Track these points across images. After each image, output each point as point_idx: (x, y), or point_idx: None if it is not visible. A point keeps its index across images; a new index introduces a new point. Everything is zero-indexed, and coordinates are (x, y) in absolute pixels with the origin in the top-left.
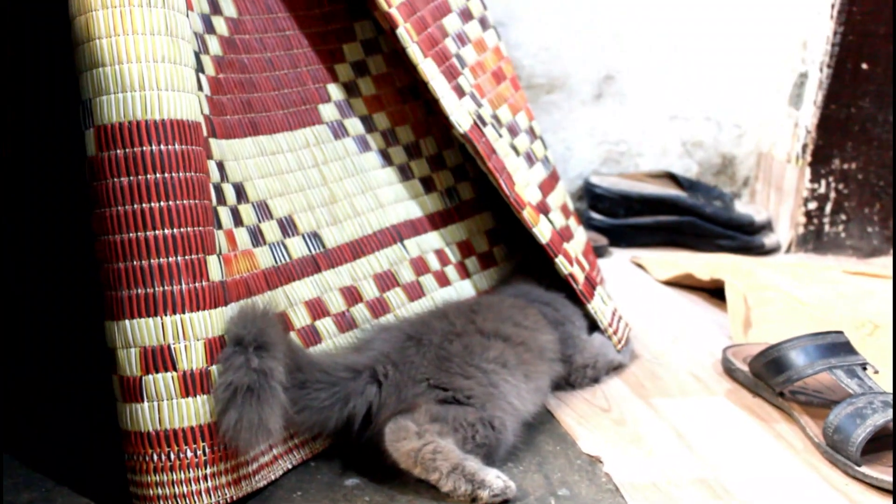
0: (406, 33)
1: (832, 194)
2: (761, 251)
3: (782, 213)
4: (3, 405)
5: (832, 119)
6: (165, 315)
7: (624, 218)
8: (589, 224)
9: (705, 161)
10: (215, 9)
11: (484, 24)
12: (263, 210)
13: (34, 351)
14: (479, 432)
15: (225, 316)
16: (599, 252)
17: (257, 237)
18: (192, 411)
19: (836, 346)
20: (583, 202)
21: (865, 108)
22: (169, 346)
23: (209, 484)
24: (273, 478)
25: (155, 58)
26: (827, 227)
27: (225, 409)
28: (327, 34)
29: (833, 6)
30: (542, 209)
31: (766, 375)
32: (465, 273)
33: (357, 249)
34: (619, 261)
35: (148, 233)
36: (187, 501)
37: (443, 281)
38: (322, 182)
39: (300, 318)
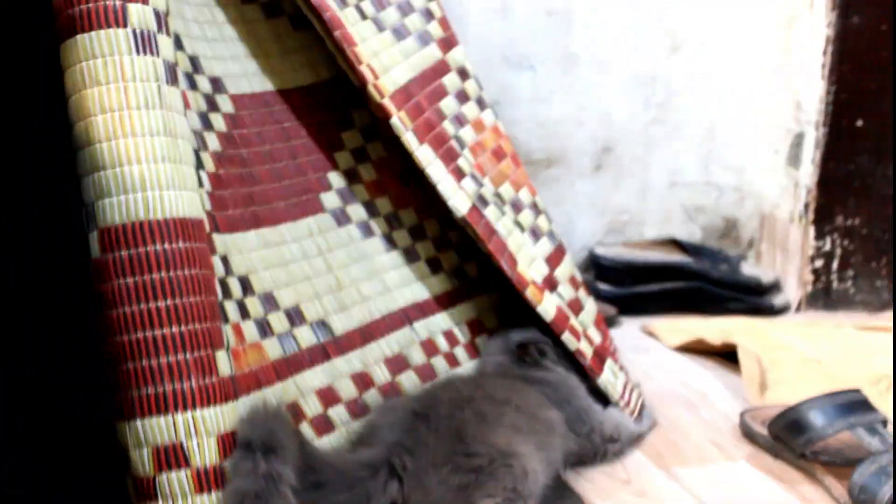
0: (399, 122)
1: (838, 251)
2: (771, 312)
3: (789, 272)
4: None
5: (832, 176)
6: (177, 413)
7: (632, 287)
8: (597, 295)
9: (708, 225)
10: (213, 106)
11: (481, 104)
12: (270, 301)
13: (34, 351)
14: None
15: (236, 410)
16: (609, 322)
17: (265, 329)
18: None
19: (854, 404)
20: (589, 273)
21: (864, 163)
22: (182, 444)
23: None
24: None
25: (155, 158)
26: (835, 284)
27: None
28: (325, 123)
29: (824, 66)
30: (550, 284)
31: (787, 437)
32: (475, 353)
33: (367, 334)
34: (630, 329)
35: (156, 332)
36: None
37: (453, 362)
38: (327, 270)
39: (312, 407)
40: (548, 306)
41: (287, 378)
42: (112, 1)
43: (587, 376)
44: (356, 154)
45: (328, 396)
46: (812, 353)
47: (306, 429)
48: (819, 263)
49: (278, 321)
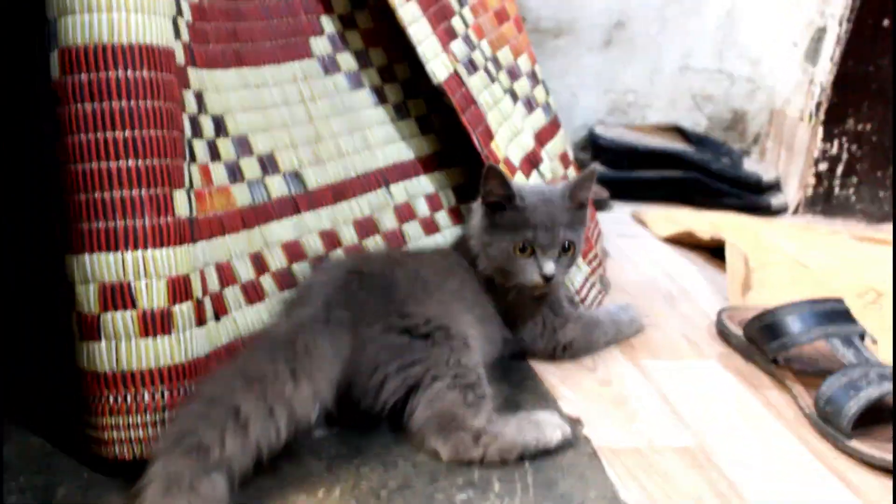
0: None
1: (844, 155)
2: (768, 211)
3: (792, 172)
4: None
5: (849, 77)
6: (126, 250)
7: (628, 171)
8: None
9: (715, 115)
10: None
11: None
12: (243, 145)
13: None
14: (466, 376)
15: (191, 254)
16: (600, 205)
17: (235, 173)
18: (152, 353)
19: (834, 314)
20: (586, 152)
21: (884, 66)
22: (129, 284)
23: None
24: None
25: None
26: (837, 190)
27: None
28: None
29: None
30: (531, 162)
31: (761, 340)
32: (458, 219)
33: (339, 192)
34: (620, 215)
35: (111, 163)
36: (143, 446)
37: (430, 228)
38: (308, 119)
39: (276, 260)
40: None
41: (253, 227)
42: None
43: None
44: None
45: (294, 251)
46: (802, 258)
47: (269, 281)
48: (823, 166)
49: (250, 167)
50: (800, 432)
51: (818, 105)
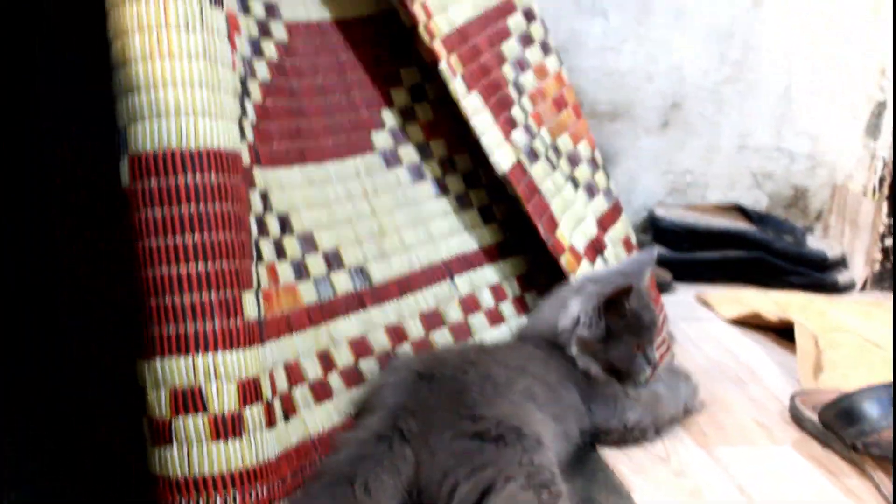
0: (448, 67)
1: None
2: (834, 289)
3: (857, 248)
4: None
5: None
6: (197, 354)
7: (690, 252)
8: None
9: (776, 193)
10: (265, 32)
11: (546, 48)
12: (308, 243)
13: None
14: (540, 475)
15: (261, 355)
16: (663, 288)
17: (301, 271)
18: (223, 457)
19: None
20: (647, 235)
21: None
22: (200, 388)
23: None
24: None
25: (192, 82)
26: None
27: None
28: (383, 57)
29: None
30: (595, 249)
31: (838, 426)
32: (523, 308)
33: (404, 286)
34: (684, 297)
35: (181, 268)
36: None
37: (495, 318)
38: (371, 214)
39: (343, 357)
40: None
41: (320, 324)
42: None
43: None
44: (414, 92)
45: (361, 347)
46: (872, 336)
47: (336, 379)
48: (889, 241)
49: (315, 264)
50: None
51: (881, 179)
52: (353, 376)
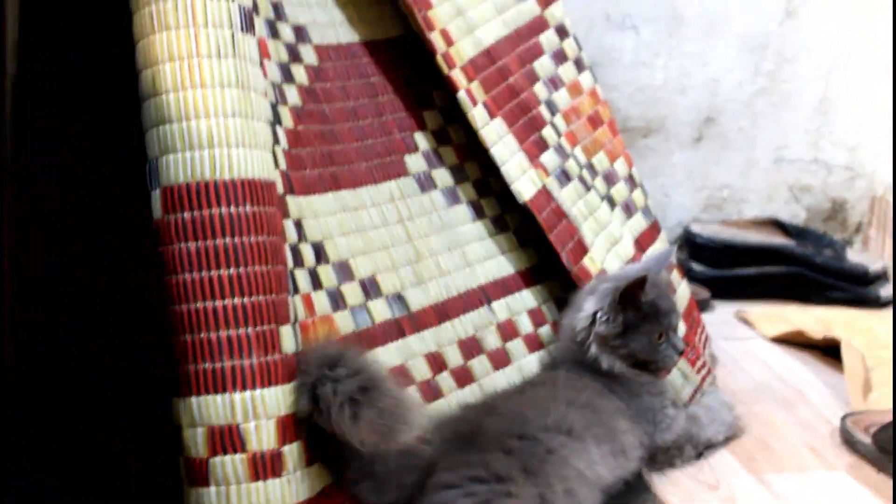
0: (467, 96)
1: None
2: (877, 304)
3: None
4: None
5: None
6: (234, 391)
7: (727, 269)
8: (690, 275)
9: (814, 206)
10: (295, 56)
11: (579, 65)
12: (344, 271)
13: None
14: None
15: None
16: (701, 306)
17: (337, 301)
18: (262, 496)
19: None
20: (682, 252)
21: None
22: (238, 426)
23: None
24: None
25: (225, 112)
26: None
27: (356, 417)
28: (415, 80)
29: None
30: None
31: (893, 449)
32: None
33: (442, 313)
34: (723, 315)
35: (216, 302)
36: None
37: (534, 345)
38: (407, 239)
39: None
40: None
41: None
42: None
43: None
44: (446, 114)
45: (400, 376)
46: None
47: None
48: None
49: (352, 293)
50: None
51: None
52: None
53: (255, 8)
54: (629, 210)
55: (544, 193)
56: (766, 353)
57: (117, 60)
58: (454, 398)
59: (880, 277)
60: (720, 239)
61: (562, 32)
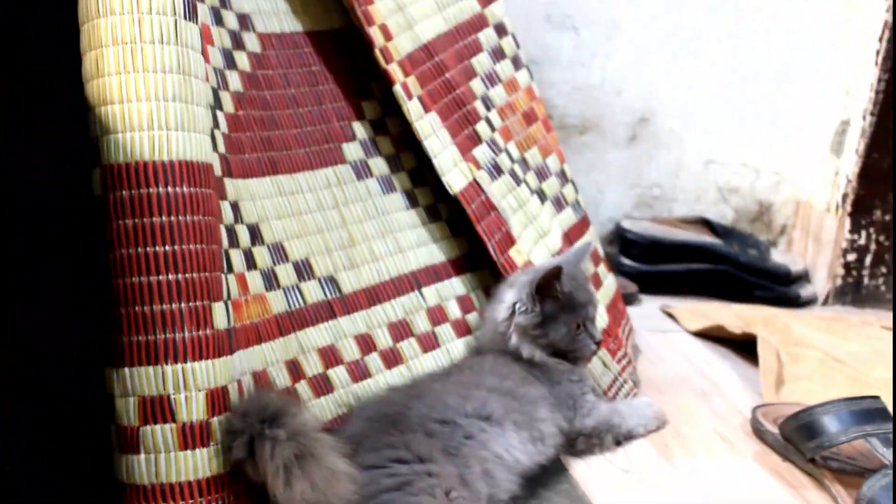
0: (402, 90)
1: (872, 246)
2: (797, 303)
3: (820, 263)
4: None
5: (874, 168)
6: (166, 364)
7: (656, 264)
8: (619, 270)
9: (741, 207)
10: (238, 43)
11: (517, 63)
12: (279, 252)
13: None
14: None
15: (230, 365)
16: (629, 299)
17: (271, 281)
18: (191, 465)
19: (872, 412)
20: (613, 247)
21: None
22: (169, 396)
23: None
24: None
25: (165, 96)
26: (866, 280)
27: (289, 485)
28: (356, 70)
29: (878, 52)
30: None
31: (798, 439)
32: None
33: (373, 296)
34: (649, 309)
35: (151, 277)
36: None
37: (462, 330)
38: (341, 224)
39: (312, 366)
40: None
41: (289, 333)
42: None
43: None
44: (384, 104)
45: (330, 356)
46: (834, 350)
47: (304, 388)
48: (852, 257)
49: (286, 274)
50: None
51: (844, 196)
52: (321, 385)
53: None
54: (560, 204)
55: (474, 186)
56: (687, 345)
57: None
58: (382, 379)
59: (801, 278)
60: (650, 235)
61: (501, 30)
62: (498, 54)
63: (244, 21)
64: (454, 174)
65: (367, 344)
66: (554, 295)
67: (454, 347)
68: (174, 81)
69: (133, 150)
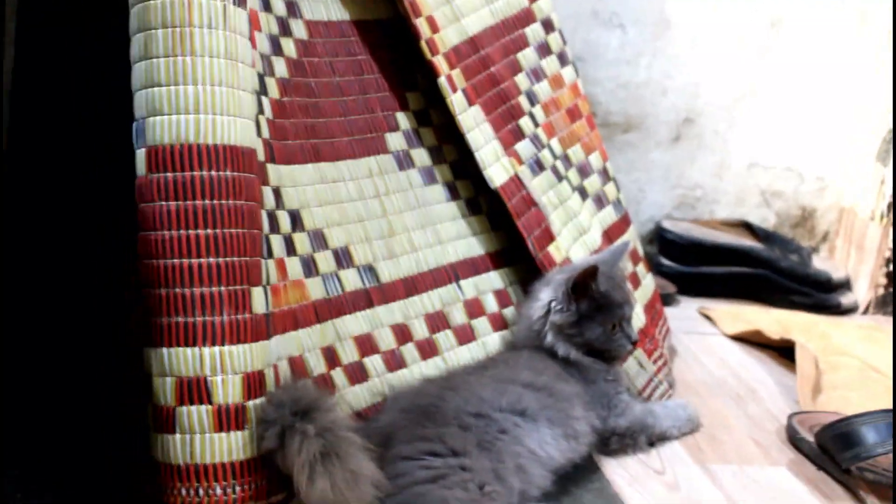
0: (447, 83)
1: None
2: (837, 311)
3: (862, 272)
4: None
5: None
6: (204, 346)
7: (695, 266)
8: (658, 270)
9: (784, 212)
10: (285, 30)
11: (563, 59)
12: (319, 239)
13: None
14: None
15: (267, 350)
16: (667, 300)
17: (310, 267)
18: (225, 447)
19: None
20: (653, 246)
21: None
22: (206, 378)
23: None
24: None
25: (212, 81)
26: None
27: (312, 481)
28: (401, 61)
29: None
30: None
31: (834, 449)
32: None
33: (411, 286)
34: (687, 311)
35: (192, 260)
36: None
37: (498, 324)
38: (382, 213)
39: (348, 353)
40: None
41: (326, 320)
42: None
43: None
44: (428, 96)
45: (366, 344)
46: (874, 361)
47: (339, 375)
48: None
49: (325, 261)
50: None
51: (889, 205)
52: (357, 373)
53: None
54: (601, 202)
55: (515, 181)
56: (724, 349)
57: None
58: (417, 369)
59: (842, 286)
60: (690, 236)
61: (548, 26)
62: (544, 50)
63: (292, 8)
64: (495, 168)
65: (403, 334)
66: (590, 294)
67: (490, 341)
68: (220, 66)
69: (178, 133)
